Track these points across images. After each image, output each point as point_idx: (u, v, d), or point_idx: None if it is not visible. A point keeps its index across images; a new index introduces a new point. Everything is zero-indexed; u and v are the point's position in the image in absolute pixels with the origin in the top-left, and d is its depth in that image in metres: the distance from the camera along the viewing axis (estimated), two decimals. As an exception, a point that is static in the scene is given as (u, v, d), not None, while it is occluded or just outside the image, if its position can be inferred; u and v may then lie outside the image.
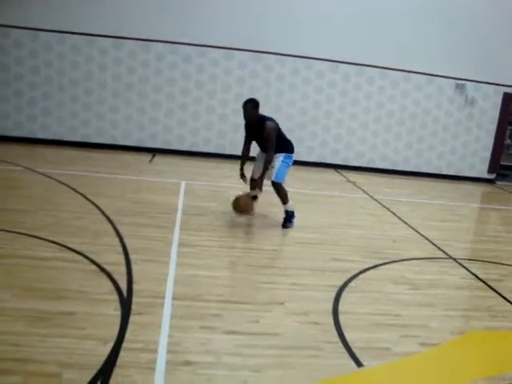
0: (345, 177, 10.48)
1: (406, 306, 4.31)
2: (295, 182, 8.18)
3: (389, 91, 11.25)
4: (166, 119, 10.75)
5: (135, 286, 4.04)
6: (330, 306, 4.08)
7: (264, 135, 6.04)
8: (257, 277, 4.61)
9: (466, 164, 11.86)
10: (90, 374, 2.82)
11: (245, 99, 6.13)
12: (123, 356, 3.05)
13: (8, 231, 5.00)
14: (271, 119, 6.10)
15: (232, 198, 6.15)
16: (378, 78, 11.13)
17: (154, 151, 10.67)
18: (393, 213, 7.58)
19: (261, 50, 10.59)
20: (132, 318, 3.52)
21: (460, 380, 3.27)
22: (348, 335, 3.61)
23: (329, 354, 3.36)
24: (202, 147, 10.95)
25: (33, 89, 10.25)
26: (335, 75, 11.00)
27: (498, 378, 3.31)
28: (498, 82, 11.45)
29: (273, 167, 6.11)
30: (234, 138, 10.62)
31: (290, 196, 6.26)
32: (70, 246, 4.76)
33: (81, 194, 6.69)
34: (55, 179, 7.32)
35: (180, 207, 6.61)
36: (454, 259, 5.72)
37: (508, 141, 12.10)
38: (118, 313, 3.58)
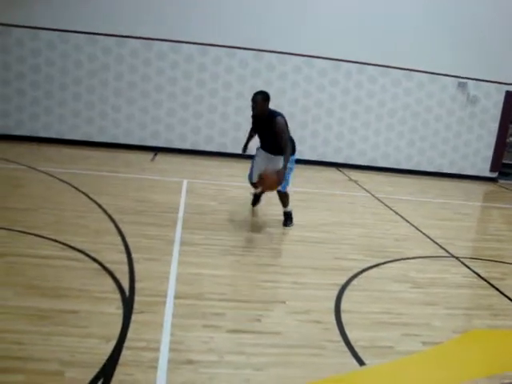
0: (347, 175, 10.47)
1: (409, 304, 4.31)
2: (297, 180, 8.17)
3: (391, 89, 11.23)
4: (167, 118, 10.75)
5: (137, 285, 4.04)
6: (332, 305, 4.08)
7: (276, 131, 5.68)
8: (258, 275, 4.61)
9: (468, 162, 11.85)
10: (92, 373, 2.82)
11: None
12: (125, 354, 3.05)
13: (9, 229, 5.00)
14: (281, 114, 5.82)
15: (258, 175, 5.85)
16: (379, 76, 11.12)
17: (155, 150, 10.68)
18: (395, 211, 7.57)
19: (262, 48, 10.58)
20: (134, 317, 3.52)
21: (462, 378, 3.26)
22: (350, 334, 3.61)
23: (331, 353, 3.36)
24: (203, 146, 10.95)
25: (35, 88, 10.26)
26: (337, 73, 10.99)
27: (499, 376, 3.31)
28: (500, 81, 11.44)
29: None
30: (235, 136, 10.62)
31: (291, 196, 6.29)
32: (72, 244, 4.77)
33: (83, 192, 6.69)
34: (57, 178, 7.33)
35: (182, 206, 6.61)
36: (457, 258, 5.71)
37: (510, 139, 12.07)
38: (120, 311, 3.58)
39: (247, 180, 6.47)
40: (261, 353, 3.25)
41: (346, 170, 10.99)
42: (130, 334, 3.28)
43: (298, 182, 7.79)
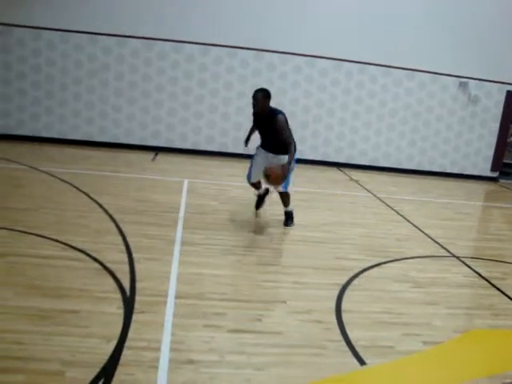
0: (348, 175, 10.46)
1: (409, 304, 4.30)
2: (298, 180, 8.17)
3: (392, 89, 11.23)
4: (168, 118, 10.75)
5: (138, 285, 4.04)
6: (332, 305, 4.08)
7: (276, 128, 5.64)
8: (259, 275, 4.61)
9: (469, 162, 11.84)
10: (92, 373, 2.82)
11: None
12: (126, 354, 3.05)
13: (11, 229, 5.00)
14: (282, 112, 5.77)
15: (264, 169, 5.69)
16: (380, 76, 11.11)
17: (156, 150, 10.68)
18: (396, 211, 7.57)
19: (263, 48, 10.58)
20: (135, 317, 3.52)
21: (463, 378, 3.26)
22: (351, 333, 3.61)
23: (332, 353, 3.36)
24: (204, 146, 10.95)
25: (35, 87, 10.27)
26: (338, 73, 10.98)
27: (500, 376, 3.31)
28: (501, 80, 11.43)
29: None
30: (236, 136, 10.61)
31: (292, 196, 6.28)
32: (73, 244, 4.77)
33: (84, 192, 6.69)
34: (58, 178, 7.33)
35: (183, 206, 6.61)
36: (457, 257, 5.71)
37: (511, 139, 12.07)
38: (121, 311, 3.58)
39: (245, 180, 6.42)
40: (262, 352, 3.25)
41: (347, 170, 10.98)
42: (130, 334, 3.28)
43: (300, 182, 7.80)
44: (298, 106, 10.96)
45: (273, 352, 3.28)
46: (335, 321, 3.80)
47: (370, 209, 7.69)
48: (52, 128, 10.46)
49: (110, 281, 4.06)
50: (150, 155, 10.19)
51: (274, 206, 6.80)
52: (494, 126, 11.70)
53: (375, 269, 5.06)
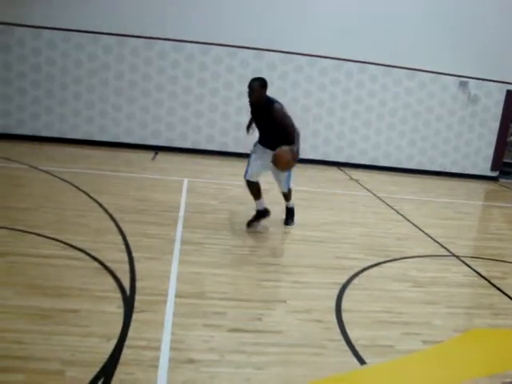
0: (348, 175, 10.46)
1: (409, 303, 4.30)
2: (298, 179, 8.16)
3: (392, 89, 11.22)
4: (168, 117, 10.75)
5: (138, 284, 4.04)
6: (332, 304, 4.08)
7: (274, 118, 5.36)
8: (259, 274, 4.61)
9: (469, 162, 11.84)
10: (92, 372, 2.82)
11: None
12: (126, 353, 3.05)
13: (11, 229, 5.00)
14: (278, 102, 5.48)
15: (272, 155, 5.41)
16: (380, 75, 11.11)
17: (156, 149, 10.67)
18: (396, 211, 7.57)
19: (263, 47, 10.58)
20: (135, 316, 3.52)
21: (463, 377, 3.26)
22: (351, 333, 3.61)
23: (332, 352, 3.36)
24: (204, 145, 10.95)
25: (35, 87, 10.26)
26: (338, 73, 10.98)
27: (500, 375, 3.31)
28: (501, 80, 11.42)
29: (280, 181, 5.94)
30: (236, 135, 10.61)
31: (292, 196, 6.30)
32: (73, 243, 4.77)
33: (83, 191, 6.69)
34: (58, 177, 7.33)
35: (183, 205, 6.61)
36: (457, 257, 5.71)
37: (511, 138, 12.07)
38: (121, 310, 3.58)
39: (243, 179, 6.07)
40: (262, 352, 3.25)
41: (347, 170, 10.98)
42: (130, 333, 3.28)
43: (300, 181, 7.77)
44: (298, 106, 10.94)
45: (273, 351, 3.28)
46: (335, 320, 3.80)
47: (370, 208, 7.69)
48: (52, 127, 10.46)
49: (110, 280, 4.06)
50: (149, 154, 10.18)
51: (273, 206, 6.79)
52: (494, 126, 11.69)
53: (375, 268, 5.06)
